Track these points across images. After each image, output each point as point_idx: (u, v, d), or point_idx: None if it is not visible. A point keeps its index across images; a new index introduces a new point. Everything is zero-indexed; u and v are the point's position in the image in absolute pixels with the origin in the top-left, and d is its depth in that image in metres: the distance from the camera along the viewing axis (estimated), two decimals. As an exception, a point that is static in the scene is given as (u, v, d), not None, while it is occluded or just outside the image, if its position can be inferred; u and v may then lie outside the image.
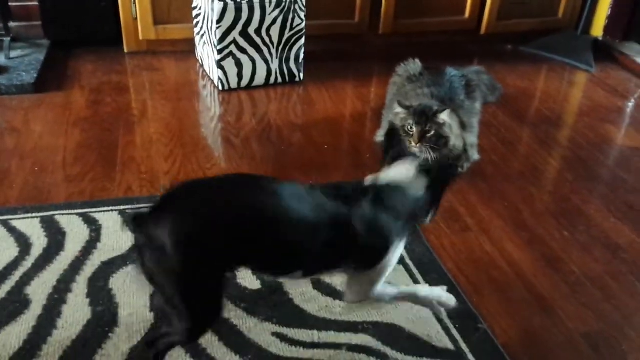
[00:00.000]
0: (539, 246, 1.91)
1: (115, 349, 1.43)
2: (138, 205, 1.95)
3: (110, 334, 1.47)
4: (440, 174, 1.38)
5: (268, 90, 2.88)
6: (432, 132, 2.07)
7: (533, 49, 3.56)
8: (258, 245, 1.21)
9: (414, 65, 2.57)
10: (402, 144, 1.44)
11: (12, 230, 1.81)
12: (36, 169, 2.15)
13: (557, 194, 2.21)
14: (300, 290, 1.64)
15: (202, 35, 2.92)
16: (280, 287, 1.64)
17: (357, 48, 3.45)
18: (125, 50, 3.16)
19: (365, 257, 1.32)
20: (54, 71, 2.92)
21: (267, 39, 2.79)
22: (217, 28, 2.67)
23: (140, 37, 3.12)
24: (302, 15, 2.81)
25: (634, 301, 1.71)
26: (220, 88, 2.83)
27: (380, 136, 2.39)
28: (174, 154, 2.30)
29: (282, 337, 1.50)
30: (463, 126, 2.25)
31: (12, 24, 3.04)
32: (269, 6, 2.71)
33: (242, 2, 2.66)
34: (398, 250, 1.35)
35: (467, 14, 3.51)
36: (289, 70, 2.92)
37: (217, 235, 1.17)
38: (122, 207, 1.94)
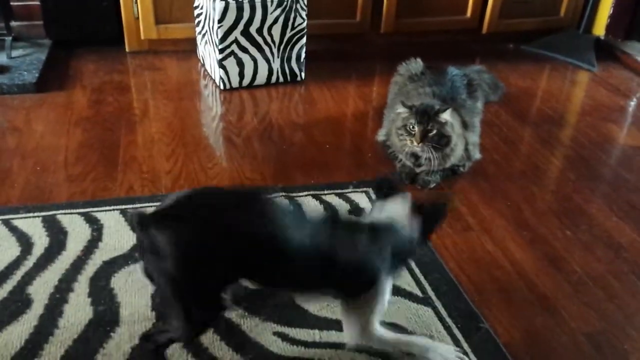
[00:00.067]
0: (541, 245, 1.91)
1: (116, 348, 1.43)
2: (140, 205, 1.95)
3: (111, 334, 1.47)
4: (432, 213, 1.41)
5: (269, 89, 2.88)
6: (434, 132, 2.07)
7: (535, 48, 3.55)
8: (251, 263, 1.24)
9: (416, 65, 2.57)
10: (394, 187, 1.48)
11: (13, 229, 1.82)
12: (38, 168, 2.15)
13: (559, 193, 2.21)
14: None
15: (204, 34, 2.92)
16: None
17: (359, 47, 3.44)
18: (127, 50, 3.16)
19: (351, 288, 1.35)
20: (55, 71, 2.92)
21: (268, 39, 2.79)
22: (219, 27, 2.67)
23: (142, 37, 3.12)
24: (304, 14, 2.81)
25: (636, 301, 1.70)
26: (222, 87, 2.83)
27: (382, 135, 2.39)
28: (175, 154, 2.30)
29: (284, 337, 1.49)
30: (465, 125, 2.25)
31: (13, 24, 3.04)
32: (271, 5, 2.71)
33: (244, 1, 2.65)
34: (386, 286, 1.36)
35: (468, 13, 3.51)
36: (291, 69, 2.92)
37: (215, 249, 1.20)
38: (123, 207, 1.94)
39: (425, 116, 2.07)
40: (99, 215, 1.90)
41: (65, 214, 1.89)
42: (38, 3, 3.03)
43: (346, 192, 2.09)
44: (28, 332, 1.47)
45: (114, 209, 1.93)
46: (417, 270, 1.73)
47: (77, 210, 1.91)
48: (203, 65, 3.07)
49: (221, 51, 2.73)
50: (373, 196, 1.53)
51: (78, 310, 1.53)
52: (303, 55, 2.91)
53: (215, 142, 2.45)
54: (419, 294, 1.66)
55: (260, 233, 1.23)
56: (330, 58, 3.28)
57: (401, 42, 3.46)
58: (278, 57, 2.86)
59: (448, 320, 1.58)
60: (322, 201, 2.03)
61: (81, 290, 1.60)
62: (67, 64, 3.02)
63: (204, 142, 2.41)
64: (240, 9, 2.66)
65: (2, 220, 1.85)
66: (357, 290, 1.35)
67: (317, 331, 1.51)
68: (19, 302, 1.55)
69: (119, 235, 1.80)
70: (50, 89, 2.75)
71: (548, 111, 2.85)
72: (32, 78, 2.72)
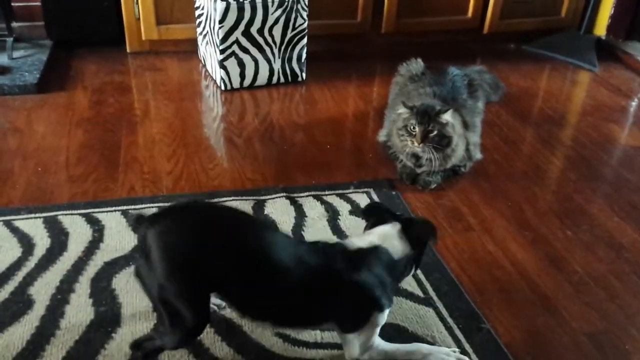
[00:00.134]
0: (542, 245, 1.90)
1: (118, 349, 1.43)
2: (141, 206, 1.95)
3: (113, 334, 1.47)
4: (420, 234, 1.41)
5: (270, 90, 2.88)
6: (435, 132, 2.07)
7: (536, 48, 3.55)
8: (235, 280, 1.25)
9: (416, 65, 2.57)
10: (382, 211, 1.48)
11: (15, 230, 1.82)
12: (39, 169, 2.15)
13: (560, 193, 2.21)
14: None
15: (205, 35, 2.92)
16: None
17: (360, 48, 3.44)
18: (128, 51, 3.16)
19: (350, 320, 1.34)
20: (56, 71, 2.92)
21: (269, 39, 2.79)
22: (220, 28, 2.67)
23: (143, 37, 3.12)
24: (305, 15, 2.81)
25: (637, 301, 1.70)
26: (223, 88, 2.83)
27: (382, 136, 2.39)
28: (176, 154, 2.30)
29: (285, 337, 1.49)
30: (466, 125, 2.25)
31: (14, 24, 3.05)
32: (272, 6, 2.71)
33: (245, 1, 2.66)
34: (385, 311, 1.36)
35: (469, 13, 3.51)
36: (292, 70, 2.92)
37: (201, 259, 1.21)
38: (124, 208, 1.94)
39: (426, 117, 2.07)
40: (100, 216, 1.90)
41: (66, 214, 1.90)
42: (39, 4, 3.03)
43: (347, 193, 2.09)
44: (29, 333, 1.47)
45: (115, 210, 1.93)
46: (418, 271, 1.73)
47: (79, 211, 1.91)
48: (204, 65, 3.07)
49: (222, 52, 2.73)
50: (362, 221, 1.52)
51: (79, 311, 1.54)
52: (304, 55, 2.91)
53: (216, 142, 2.45)
54: (420, 294, 1.66)
55: (245, 251, 1.25)
56: (331, 58, 3.28)
57: (402, 42, 3.46)
58: (279, 57, 2.86)
59: (449, 320, 1.58)
60: (323, 202, 2.03)
61: (82, 291, 1.60)
62: (68, 65, 3.02)
63: (205, 143, 2.41)
64: (241, 9, 2.66)
65: (3, 221, 1.85)
66: (356, 323, 1.34)
67: (318, 332, 1.51)
68: (20, 303, 1.55)
69: (120, 236, 1.80)
70: (52, 90, 2.75)
71: (549, 111, 2.85)
72: (33, 79, 2.72)
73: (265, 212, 1.95)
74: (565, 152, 2.50)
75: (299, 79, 2.96)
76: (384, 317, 1.36)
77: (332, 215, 1.96)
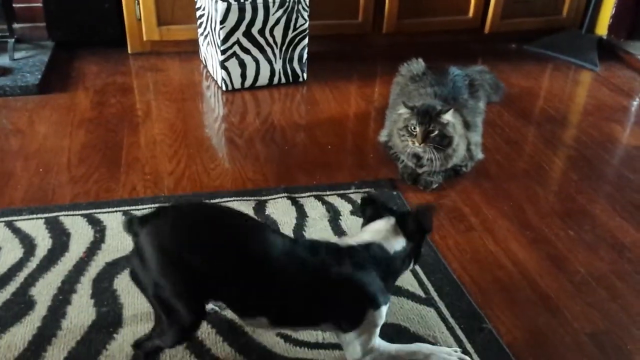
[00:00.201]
0: (544, 245, 1.90)
1: (119, 349, 1.43)
2: (142, 206, 1.95)
3: (114, 335, 1.47)
4: (417, 226, 1.38)
5: (271, 90, 2.88)
6: (436, 132, 2.07)
7: (537, 48, 3.55)
8: (228, 277, 1.25)
9: (417, 65, 2.57)
10: (378, 205, 1.45)
11: (16, 231, 1.82)
12: (41, 170, 2.16)
13: (562, 193, 2.20)
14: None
15: (206, 35, 2.92)
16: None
17: (361, 48, 3.44)
18: (129, 51, 3.17)
19: (345, 319, 1.33)
20: (58, 72, 2.93)
21: (270, 39, 2.79)
22: (221, 29, 2.67)
23: (144, 38, 3.12)
24: (306, 15, 2.81)
25: (640, 301, 1.70)
26: (224, 88, 2.83)
27: (383, 136, 2.39)
28: (178, 155, 2.30)
29: (287, 338, 1.49)
30: (467, 125, 2.25)
31: (16, 26, 3.05)
32: (273, 6, 2.71)
33: (246, 2, 2.66)
34: (381, 309, 1.34)
35: (470, 13, 3.50)
36: (293, 70, 2.92)
37: (194, 256, 1.21)
38: (126, 208, 1.94)
39: (427, 117, 2.07)
40: (101, 216, 1.90)
41: (68, 215, 1.90)
42: (40, 5, 3.03)
43: (348, 193, 2.08)
44: (31, 333, 1.47)
45: (116, 211, 1.93)
46: (419, 271, 1.73)
47: (80, 212, 1.92)
48: (205, 66, 3.07)
49: (223, 52, 2.73)
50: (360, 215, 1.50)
51: (81, 312, 1.54)
52: (305, 56, 2.91)
53: (217, 143, 2.45)
54: (422, 294, 1.66)
55: (237, 248, 1.25)
56: (332, 59, 3.28)
57: (403, 42, 3.46)
58: (280, 58, 2.86)
59: (451, 320, 1.57)
60: (324, 202, 2.03)
61: (84, 292, 1.60)
62: (69, 66, 3.02)
63: (207, 143, 2.41)
64: (242, 10, 2.66)
65: (5, 222, 1.85)
66: (353, 321, 1.32)
67: (320, 332, 1.51)
68: (22, 303, 1.55)
69: (121, 236, 1.80)
70: (53, 91, 2.76)
71: (550, 111, 2.84)
72: (34, 80, 2.73)
73: (267, 213, 1.95)
74: (567, 152, 2.49)
75: (300, 79, 2.96)
76: (381, 316, 1.34)
77: (334, 216, 1.96)
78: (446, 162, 2.14)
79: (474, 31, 3.56)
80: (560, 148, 2.52)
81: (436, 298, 1.65)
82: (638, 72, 3.31)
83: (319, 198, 2.05)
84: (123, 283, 1.63)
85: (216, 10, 2.65)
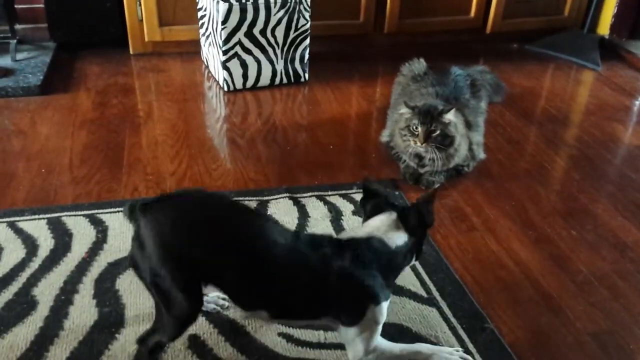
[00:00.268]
0: (546, 245, 1.90)
1: (121, 350, 1.44)
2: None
3: (117, 335, 1.47)
4: (419, 220, 1.37)
5: (273, 90, 2.88)
6: (438, 132, 2.07)
7: (539, 48, 3.55)
8: (227, 267, 1.25)
9: (419, 65, 2.57)
10: (379, 199, 1.44)
11: (19, 231, 1.82)
12: (43, 170, 2.16)
13: (564, 192, 2.20)
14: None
15: (208, 36, 2.93)
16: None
17: (362, 48, 3.44)
18: (131, 52, 3.17)
19: (346, 313, 1.32)
20: (60, 73, 2.93)
21: (272, 40, 2.79)
22: (222, 29, 2.68)
23: (146, 39, 3.12)
24: (307, 15, 2.81)
25: (642, 300, 1.70)
26: (226, 89, 2.83)
27: (385, 136, 2.39)
28: (179, 155, 2.30)
29: (288, 338, 1.49)
30: (468, 125, 2.25)
31: (18, 27, 3.06)
32: (274, 7, 2.71)
33: (247, 3, 2.66)
34: (382, 305, 1.33)
35: (472, 13, 3.50)
36: (294, 70, 2.92)
37: (194, 244, 1.22)
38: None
39: (429, 116, 2.07)
40: (103, 217, 1.90)
41: (70, 215, 1.90)
42: (42, 6, 3.04)
43: (350, 193, 2.08)
44: (33, 333, 1.47)
45: (118, 211, 1.93)
46: (421, 271, 1.73)
47: (82, 212, 1.92)
48: (207, 67, 3.07)
49: (225, 53, 2.73)
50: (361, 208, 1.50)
51: (83, 312, 1.54)
52: (306, 56, 2.91)
53: (219, 143, 2.46)
54: (424, 294, 1.65)
55: (238, 238, 1.25)
56: (333, 59, 3.28)
57: (404, 42, 3.46)
58: (281, 58, 2.86)
59: (453, 320, 1.57)
60: (326, 202, 2.03)
61: (86, 292, 1.60)
62: (71, 67, 3.03)
63: (208, 144, 2.41)
64: (243, 10, 2.66)
65: (7, 222, 1.86)
66: (354, 316, 1.32)
67: (322, 332, 1.51)
68: (24, 303, 1.56)
69: (123, 236, 1.81)
70: (55, 92, 2.76)
71: (552, 111, 2.84)
72: (36, 80, 2.73)
73: (269, 213, 1.95)
74: (569, 151, 2.49)
75: (302, 79, 2.96)
76: (382, 312, 1.33)
77: (335, 216, 1.96)
78: (448, 162, 2.13)
79: (476, 31, 3.56)
80: (562, 148, 2.52)
81: (438, 298, 1.64)
82: (640, 72, 3.31)
83: (320, 198, 2.05)
84: (125, 283, 1.63)
85: (218, 10, 2.65)
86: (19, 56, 2.93)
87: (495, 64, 3.14)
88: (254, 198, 2.03)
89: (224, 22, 2.66)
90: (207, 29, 2.91)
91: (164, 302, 1.25)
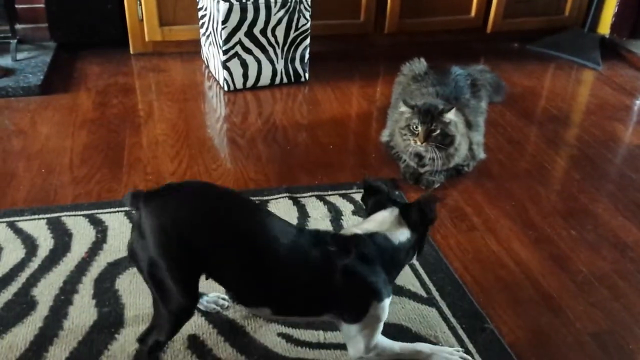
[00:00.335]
0: (546, 245, 1.90)
1: (121, 350, 1.44)
2: (144, 206, 1.95)
3: (116, 335, 1.47)
4: (421, 217, 1.36)
5: (273, 90, 2.88)
6: (438, 131, 2.07)
7: (539, 47, 3.54)
8: (228, 261, 1.24)
9: (419, 65, 2.57)
10: (380, 195, 1.43)
11: (18, 231, 1.82)
12: (43, 170, 2.16)
13: (565, 192, 2.20)
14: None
15: (208, 36, 2.93)
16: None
17: (363, 48, 3.44)
18: (131, 52, 3.17)
19: (349, 310, 1.32)
20: (60, 73, 2.93)
21: (272, 39, 2.79)
22: (223, 29, 2.68)
23: (146, 39, 3.12)
24: (308, 15, 2.81)
25: (643, 300, 1.70)
26: (226, 89, 2.83)
27: (385, 136, 2.39)
28: (180, 155, 2.30)
29: (288, 338, 1.49)
30: (469, 125, 2.25)
31: (18, 26, 3.06)
32: (274, 6, 2.71)
33: (248, 2, 2.66)
34: (385, 301, 1.32)
35: (472, 13, 3.50)
36: (294, 70, 2.92)
37: (194, 236, 1.21)
38: (128, 209, 1.94)
39: (429, 116, 2.06)
40: (103, 217, 1.90)
41: (70, 215, 1.90)
42: (43, 6, 3.04)
43: (350, 193, 2.08)
44: (33, 333, 1.47)
45: (118, 211, 1.93)
46: (421, 271, 1.73)
47: (82, 212, 1.92)
48: (207, 66, 3.07)
49: (225, 52, 2.73)
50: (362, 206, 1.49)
51: (82, 312, 1.54)
52: (307, 56, 2.91)
53: (219, 143, 2.46)
54: (424, 294, 1.65)
55: (239, 231, 1.24)
56: (334, 59, 3.28)
57: (405, 42, 3.46)
58: (282, 58, 2.86)
59: (453, 320, 1.57)
60: (326, 202, 2.03)
61: (86, 292, 1.60)
62: (71, 67, 3.03)
63: (209, 144, 2.41)
64: (244, 10, 2.66)
65: (7, 222, 1.86)
66: (357, 312, 1.31)
67: (321, 332, 1.51)
68: (23, 304, 1.56)
69: (123, 236, 1.81)
70: (55, 92, 2.76)
71: (553, 110, 2.84)
72: (37, 80, 2.73)
73: (268, 213, 1.95)
74: (569, 151, 2.49)
75: (302, 79, 2.96)
76: (384, 309, 1.32)
77: (335, 216, 1.96)
78: (448, 161, 2.13)
79: (476, 31, 3.56)
80: (563, 147, 2.52)
81: (438, 298, 1.64)
82: (641, 71, 3.30)
83: (320, 198, 2.05)
84: (125, 283, 1.63)
85: (218, 10, 2.65)
86: (19, 56, 2.94)
87: (495, 64, 3.14)
88: (254, 198, 2.02)
89: (225, 21, 2.66)
90: (207, 28, 2.91)
91: (159, 294, 1.25)
